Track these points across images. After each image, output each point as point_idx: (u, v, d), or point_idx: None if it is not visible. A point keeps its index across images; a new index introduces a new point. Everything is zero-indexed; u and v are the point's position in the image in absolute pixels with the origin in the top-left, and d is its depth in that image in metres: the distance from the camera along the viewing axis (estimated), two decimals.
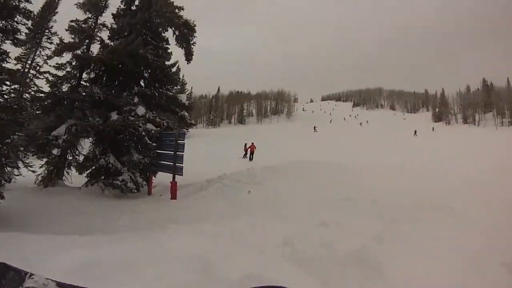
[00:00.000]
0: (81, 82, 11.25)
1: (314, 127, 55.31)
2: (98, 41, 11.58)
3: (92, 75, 11.50)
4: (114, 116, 10.34)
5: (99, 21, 11.69)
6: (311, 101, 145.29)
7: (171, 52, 12.74)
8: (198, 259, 2.98)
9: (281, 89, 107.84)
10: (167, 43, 12.66)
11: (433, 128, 54.78)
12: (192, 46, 13.08)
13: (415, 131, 48.52)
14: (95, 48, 11.54)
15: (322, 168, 11.21)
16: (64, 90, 10.86)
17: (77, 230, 5.45)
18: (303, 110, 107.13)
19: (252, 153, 23.50)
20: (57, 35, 11.19)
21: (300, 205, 6.42)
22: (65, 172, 10.86)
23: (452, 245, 3.50)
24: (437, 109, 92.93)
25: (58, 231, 5.24)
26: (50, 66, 11.09)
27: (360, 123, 71.67)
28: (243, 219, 5.13)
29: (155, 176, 11.56)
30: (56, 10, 11.04)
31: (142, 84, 12.02)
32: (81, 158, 10.96)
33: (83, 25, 11.35)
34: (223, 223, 4.92)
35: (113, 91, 11.15)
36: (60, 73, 10.87)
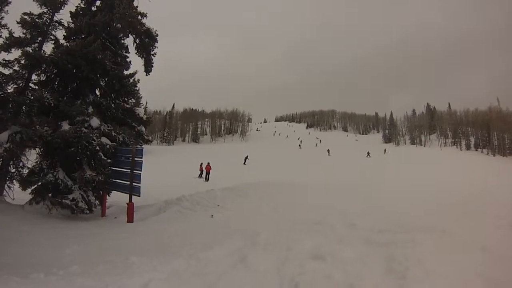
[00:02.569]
0: (30, 84, 10.20)
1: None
2: (52, 40, 10.64)
3: (43, 78, 10.50)
4: (66, 126, 9.48)
5: (55, 18, 10.71)
6: (265, 121, 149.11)
7: (130, 61, 12.02)
8: None
9: (236, 109, 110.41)
10: (127, 51, 12.01)
11: (385, 150, 56.95)
12: (153, 57, 12.55)
13: (368, 153, 50.35)
14: (48, 48, 10.56)
15: (285, 189, 11.22)
16: (9, 91, 9.73)
17: (12, 264, 4.76)
18: (257, 130, 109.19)
19: (208, 173, 23.27)
20: (7, 28, 9.89)
21: (273, 231, 6.10)
22: (6, 186, 9.73)
23: (469, 269, 3.44)
24: (386, 131, 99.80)
25: None
26: None
27: (316, 144, 73.68)
28: (216, 249, 4.83)
29: (109, 195, 10.85)
30: (9, 0, 9.84)
31: (97, 93, 11.29)
32: (25, 171, 9.87)
33: (37, 20, 10.34)
34: (196, 256, 4.61)
35: (65, 98, 10.25)
36: (6, 72, 9.74)
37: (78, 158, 9.65)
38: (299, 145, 63.17)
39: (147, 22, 12.10)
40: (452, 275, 3.36)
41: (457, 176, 22.28)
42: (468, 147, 76.32)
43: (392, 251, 4.19)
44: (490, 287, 2.93)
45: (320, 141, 77.39)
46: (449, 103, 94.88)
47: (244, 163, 33.03)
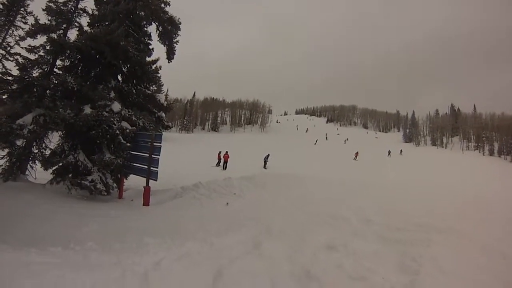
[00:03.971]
0: (54, 69, 10.44)
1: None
2: (77, 27, 10.81)
3: (67, 63, 10.72)
4: (88, 110, 9.67)
5: (79, 5, 10.90)
6: (285, 114, 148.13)
7: (152, 49, 12.11)
8: None
9: (256, 100, 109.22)
10: (150, 39, 12.10)
11: (401, 151, 54.76)
12: (175, 45, 12.60)
13: (389, 152, 49.07)
14: (72, 35, 10.75)
15: (303, 182, 11.00)
16: (34, 75, 9.98)
17: (32, 238, 4.90)
18: (277, 122, 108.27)
19: (225, 162, 23.31)
20: (33, 15, 10.20)
21: (288, 221, 6.11)
22: (29, 166, 10.05)
23: (488, 272, 3.36)
24: (407, 130, 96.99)
25: (7, 240, 4.60)
26: (22, 48, 10.06)
27: (345, 141, 71.69)
28: (231, 236, 4.85)
29: (126, 179, 11.03)
30: None
31: (119, 78, 11.45)
32: (47, 152, 10.16)
33: (62, 8, 10.54)
34: (210, 241, 4.63)
35: (88, 83, 10.43)
36: (32, 57, 10.01)
37: (98, 141, 9.83)
38: (315, 142, 61.08)
39: (170, 10, 12.14)
40: (469, 276, 3.30)
41: (479, 181, 21.61)
42: (491, 153, 72.87)
43: (407, 248, 4.13)
44: None
45: (347, 139, 73.58)
46: (474, 105, 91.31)
47: (264, 167, 23.50)
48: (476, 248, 4.09)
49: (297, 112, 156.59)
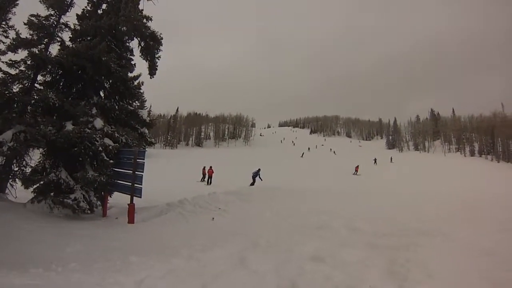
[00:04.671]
0: (35, 84, 10.33)
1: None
2: (59, 41, 10.75)
3: (48, 78, 10.62)
4: (69, 126, 9.57)
5: (61, 20, 10.85)
6: (269, 126, 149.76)
7: (134, 64, 12.08)
8: None
9: (240, 113, 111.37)
10: (132, 54, 12.10)
11: (391, 159, 55.79)
12: (157, 60, 12.57)
13: (375, 160, 49.24)
14: (54, 49, 10.68)
15: (288, 194, 11.08)
16: (15, 91, 9.84)
17: (12, 259, 4.77)
18: (261, 135, 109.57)
19: (210, 176, 23.44)
20: (14, 29, 10.08)
21: (274, 234, 6.14)
22: (8, 184, 9.84)
23: (473, 272, 3.43)
24: (390, 137, 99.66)
25: None
26: (2, 62, 9.93)
27: (334, 152, 72.90)
28: (216, 251, 4.86)
29: (110, 196, 10.89)
30: (17, 1, 10.01)
31: (101, 94, 11.37)
32: (28, 170, 9.91)
33: (44, 22, 10.48)
34: (195, 257, 4.66)
35: (69, 99, 10.34)
36: (13, 72, 9.91)
37: (80, 159, 9.68)
38: (302, 155, 61.02)
39: (153, 25, 12.17)
40: (455, 277, 3.35)
41: (463, 182, 22.11)
42: (472, 153, 76.32)
43: (394, 254, 4.19)
44: None
45: (334, 152, 73.60)
46: (453, 109, 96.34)
47: (253, 184, 18.92)
48: (462, 249, 4.16)
49: (280, 125, 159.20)
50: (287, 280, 3.52)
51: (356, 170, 36.33)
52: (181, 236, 6.98)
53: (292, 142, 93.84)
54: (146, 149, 12.03)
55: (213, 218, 8.69)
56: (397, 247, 4.51)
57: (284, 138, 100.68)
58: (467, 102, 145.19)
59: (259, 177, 19.30)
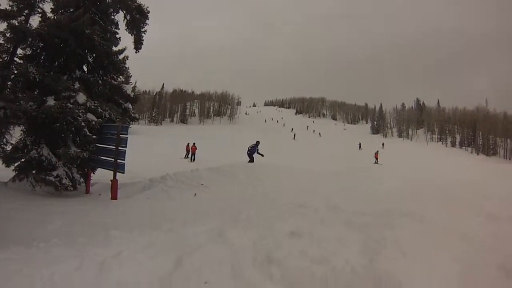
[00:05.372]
0: (15, 58, 10.07)
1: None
2: (40, 13, 10.38)
3: (29, 52, 10.32)
4: (51, 101, 9.44)
5: None
6: (254, 105, 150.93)
7: (119, 38, 11.82)
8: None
9: (225, 91, 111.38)
10: (117, 27, 11.87)
11: (383, 144, 55.35)
12: (143, 34, 12.36)
13: (360, 144, 49.68)
14: (35, 21, 10.34)
15: (272, 171, 11.12)
16: None
17: None
18: (246, 113, 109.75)
19: (193, 153, 23.69)
20: None
21: (255, 211, 6.11)
22: None
23: (446, 251, 3.51)
24: (375, 122, 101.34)
25: None
26: None
27: (319, 134, 74.18)
28: (197, 225, 4.91)
29: (94, 173, 10.92)
30: None
31: (84, 68, 11.19)
32: (9, 148, 9.81)
33: None
34: (176, 231, 4.74)
35: (51, 73, 10.12)
36: None
37: (63, 135, 9.62)
38: (293, 136, 60.84)
39: None
40: (428, 257, 3.47)
41: (446, 170, 22.81)
42: (453, 144, 79.49)
43: (370, 232, 4.29)
44: (466, 271, 3.05)
45: (320, 134, 74.53)
46: (438, 100, 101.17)
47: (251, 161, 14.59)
48: (437, 230, 4.32)
49: (266, 104, 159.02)
50: (264, 253, 3.61)
51: (376, 158, 32.04)
52: (163, 211, 7.07)
53: (276, 121, 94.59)
54: (130, 125, 11.92)
55: (195, 194, 8.75)
56: (375, 225, 4.64)
57: (272, 118, 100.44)
58: (453, 95, 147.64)
59: (258, 152, 14.75)
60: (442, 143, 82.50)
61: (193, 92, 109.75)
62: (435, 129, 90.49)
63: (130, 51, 11.87)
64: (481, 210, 5.14)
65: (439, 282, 2.95)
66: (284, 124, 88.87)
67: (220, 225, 4.73)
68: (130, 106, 11.92)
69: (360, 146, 49.44)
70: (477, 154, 71.76)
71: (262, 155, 14.68)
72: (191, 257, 3.53)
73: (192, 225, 5.02)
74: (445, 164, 31.58)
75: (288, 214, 5.64)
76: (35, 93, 9.78)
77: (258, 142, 15.06)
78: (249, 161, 14.04)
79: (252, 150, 14.64)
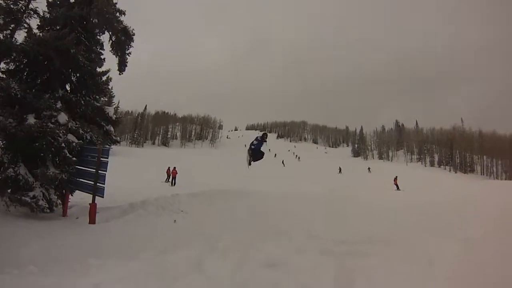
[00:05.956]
0: None
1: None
2: (26, 28, 10.40)
3: (12, 67, 10.20)
4: (31, 119, 9.35)
5: (31, 6, 10.54)
6: (236, 129, 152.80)
7: (104, 59, 11.83)
8: None
9: (207, 115, 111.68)
10: (102, 48, 11.88)
11: (369, 169, 55.33)
12: (127, 56, 12.49)
13: (340, 168, 49.48)
14: (20, 36, 10.31)
15: (251, 198, 11.31)
16: None
17: None
18: (228, 137, 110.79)
19: (174, 177, 23.53)
20: None
21: (233, 239, 6.33)
22: None
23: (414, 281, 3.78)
24: (356, 145, 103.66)
25: None
26: None
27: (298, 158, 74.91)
28: (175, 254, 5.01)
29: (72, 195, 10.74)
30: None
31: (67, 88, 11.13)
32: None
33: (12, 6, 10.20)
34: (154, 259, 4.83)
35: (33, 90, 10.04)
36: None
37: (42, 154, 9.45)
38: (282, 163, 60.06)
39: (125, 20, 12.06)
40: (396, 286, 3.54)
41: (424, 191, 23.19)
42: (432, 164, 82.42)
43: (344, 262, 4.47)
44: None
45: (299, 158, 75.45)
46: (416, 121, 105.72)
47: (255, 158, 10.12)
48: (408, 258, 4.42)
49: (247, 128, 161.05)
50: (240, 286, 3.74)
51: (396, 184, 27.92)
52: (142, 238, 7.09)
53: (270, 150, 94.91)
54: (111, 147, 11.73)
55: (175, 221, 8.83)
56: (349, 254, 4.83)
57: (247, 143, 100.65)
58: (430, 115, 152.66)
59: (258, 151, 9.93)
60: (422, 163, 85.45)
61: (175, 114, 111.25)
62: (415, 150, 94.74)
63: (114, 72, 11.90)
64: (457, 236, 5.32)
65: None
66: (269, 150, 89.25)
67: (199, 254, 4.83)
68: (111, 128, 11.83)
69: (340, 170, 49.12)
70: (455, 172, 74.27)
71: (262, 155, 9.97)
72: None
73: (171, 253, 5.08)
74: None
75: (265, 243, 5.78)
76: (16, 109, 9.59)
77: (265, 135, 10.12)
78: (251, 161, 10.05)
79: (257, 146, 10.14)
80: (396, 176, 29.41)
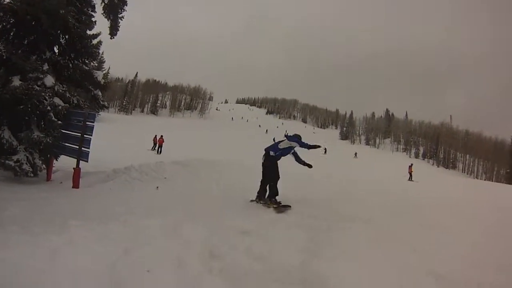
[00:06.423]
0: None
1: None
2: None
3: None
4: (17, 81, 9.25)
5: None
6: (226, 102, 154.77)
7: (95, 21, 11.46)
8: (103, 278, 2.93)
9: (198, 85, 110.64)
10: (93, 10, 11.55)
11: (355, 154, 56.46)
12: (120, 20, 12.15)
13: (325, 150, 50.06)
14: None
15: (236, 168, 11.41)
16: None
17: None
18: (217, 109, 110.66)
19: (160, 146, 23.69)
20: None
21: (213, 207, 6.41)
22: None
23: (382, 255, 3.84)
24: (344, 129, 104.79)
25: None
26: None
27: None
28: (154, 218, 5.04)
29: (56, 160, 10.74)
30: None
31: (55, 50, 10.93)
32: None
33: None
34: (133, 223, 4.85)
35: (19, 51, 9.83)
36: None
37: (26, 118, 9.42)
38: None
39: None
40: (365, 259, 3.70)
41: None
42: (417, 155, 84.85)
43: (315, 234, 4.56)
44: (401, 274, 3.32)
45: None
46: (406, 112, 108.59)
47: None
48: (381, 237, 4.58)
49: (238, 101, 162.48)
50: (211, 248, 3.82)
51: (410, 174, 26.04)
52: (124, 203, 7.07)
53: (247, 120, 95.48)
54: (100, 113, 11.59)
55: (157, 187, 8.78)
56: (321, 228, 4.87)
57: (242, 117, 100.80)
58: (422, 109, 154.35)
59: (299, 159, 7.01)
60: (407, 153, 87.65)
61: (166, 83, 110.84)
62: (401, 140, 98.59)
63: (105, 36, 11.59)
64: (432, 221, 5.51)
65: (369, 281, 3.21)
66: (260, 125, 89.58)
67: (177, 220, 4.87)
68: (99, 93, 11.73)
69: (325, 152, 49.04)
70: (437, 166, 76.40)
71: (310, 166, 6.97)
72: (142, 248, 3.69)
73: (150, 218, 5.10)
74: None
75: (246, 213, 5.88)
76: (0, 71, 9.43)
77: (298, 136, 6.82)
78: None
79: (282, 153, 6.84)
80: (412, 164, 28.61)
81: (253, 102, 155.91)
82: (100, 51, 11.44)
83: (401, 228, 5.04)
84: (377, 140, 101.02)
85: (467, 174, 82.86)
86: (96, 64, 12.62)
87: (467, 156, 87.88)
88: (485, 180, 65.17)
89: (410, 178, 24.73)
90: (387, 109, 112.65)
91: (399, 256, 3.81)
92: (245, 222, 4.99)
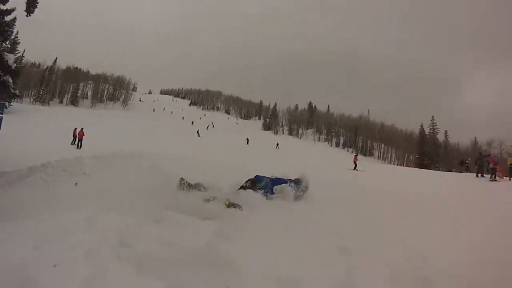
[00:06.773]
0: None
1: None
2: None
3: None
4: None
5: None
6: (150, 93, 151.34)
7: None
8: (14, 273, 2.88)
9: (122, 75, 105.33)
10: None
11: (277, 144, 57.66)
12: None
13: (247, 140, 51.48)
14: None
15: (157, 160, 11.41)
16: None
17: None
18: (140, 100, 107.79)
19: (80, 139, 22.74)
20: None
21: (132, 199, 6.63)
22: None
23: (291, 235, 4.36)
24: (267, 120, 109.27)
25: None
26: None
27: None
28: (71, 214, 5.12)
29: None
30: None
31: None
32: None
33: None
34: (48, 219, 4.89)
35: None
36: None
37: None
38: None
39: None
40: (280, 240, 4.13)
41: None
42: (337, 145, 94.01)
43: (229, 221, 4.95)
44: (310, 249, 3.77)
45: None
46: (328, 105, 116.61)
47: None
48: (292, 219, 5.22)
49: (162, 92, 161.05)
50: (123, 238, 3.89)
51: (355, 163, 26.84)
52: (41, 200, 7.11)
53: (171, 112, 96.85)
54: (11, 102, 10.37)
55: (76, 183, 8.73)
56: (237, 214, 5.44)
57: (164, 109, 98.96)
58: (343, 103, 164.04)
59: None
60: (328, 143, 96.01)
61: (88, 71, 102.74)
62: (323, 130, 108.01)
63: (21, 13, 10.28)
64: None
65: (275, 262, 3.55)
66: (183, 117, 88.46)
67: (93, 214, 4.93)
68: (10, 79, 10.65)
69: (247, 142, 50.93)
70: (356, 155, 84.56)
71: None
72: (52, 243, 3.76)
73: (66, 214, 5.15)
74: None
75: (163, 201, 6.23)
76: None
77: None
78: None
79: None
80: (357, 154, 31.68)
81: (177, 93, 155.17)
82: (14, 30, 10.14)
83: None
84: (300, 131, 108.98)
85: (383, 160, 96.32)
86: (9, 46, 11.19)
87: (382, 145, 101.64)
88: (397, 165, 77.54)
89: (355, 168, 25.86)
90: (310, 102, 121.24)
91: (312, 235, 4.32)
92: (161, 211, 5.22)
